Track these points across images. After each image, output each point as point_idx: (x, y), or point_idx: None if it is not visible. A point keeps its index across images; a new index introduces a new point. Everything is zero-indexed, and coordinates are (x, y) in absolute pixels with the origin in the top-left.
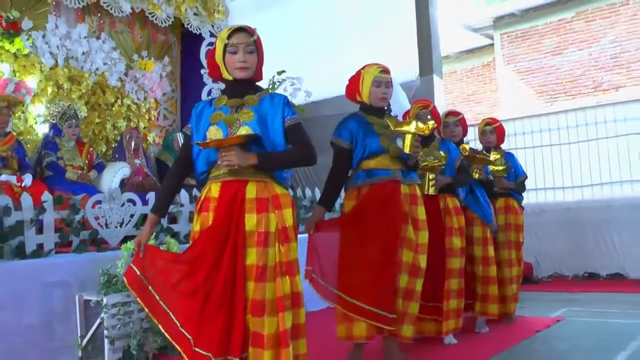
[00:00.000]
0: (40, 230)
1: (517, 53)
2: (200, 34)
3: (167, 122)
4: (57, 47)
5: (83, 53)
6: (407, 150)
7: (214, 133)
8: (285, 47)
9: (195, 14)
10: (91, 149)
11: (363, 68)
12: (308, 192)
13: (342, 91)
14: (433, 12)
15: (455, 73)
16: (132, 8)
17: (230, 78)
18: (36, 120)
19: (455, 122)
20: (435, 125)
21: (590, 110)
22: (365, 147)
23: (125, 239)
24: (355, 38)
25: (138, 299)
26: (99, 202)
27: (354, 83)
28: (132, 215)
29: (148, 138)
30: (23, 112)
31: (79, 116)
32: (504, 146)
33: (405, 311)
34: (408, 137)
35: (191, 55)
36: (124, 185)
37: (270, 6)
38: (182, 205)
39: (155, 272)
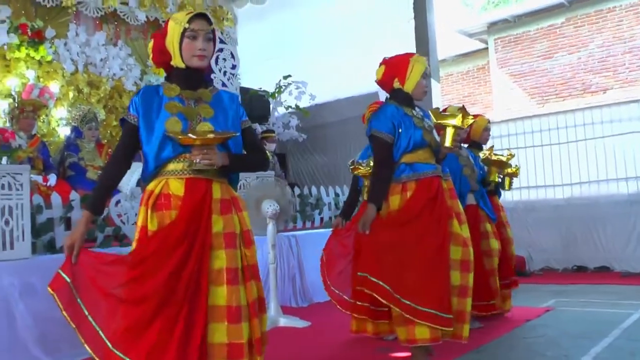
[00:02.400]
0: (68, 227)
1: (510, 57)
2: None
3: None
4: (78, 54)
5: (101, 59)
6: (449, 143)
7: (174, 124)
8: (290, 52)
9: None
10: (110, 150)
11: (410, 55)
12: (314, 190)
13: (342, 95)
14: (430, 18)
15: (451, 76)
16: (146, 17)
17: (182, 66)
18: (58, 123)
19: None
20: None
21: (578, 112)
22: (409, 139)
23: None
24: (355, 44)
25: (64, 312)
26: (121, 200)
27: (395, 69)
28: None
29: None
30: (46, 116)
31: (98, 119)
32: (497, 145)
33: (462, 309)
34: (451, 130)
35: None
36: (140, 184)
37: (275, 13)
38: None
39: (88, 280)
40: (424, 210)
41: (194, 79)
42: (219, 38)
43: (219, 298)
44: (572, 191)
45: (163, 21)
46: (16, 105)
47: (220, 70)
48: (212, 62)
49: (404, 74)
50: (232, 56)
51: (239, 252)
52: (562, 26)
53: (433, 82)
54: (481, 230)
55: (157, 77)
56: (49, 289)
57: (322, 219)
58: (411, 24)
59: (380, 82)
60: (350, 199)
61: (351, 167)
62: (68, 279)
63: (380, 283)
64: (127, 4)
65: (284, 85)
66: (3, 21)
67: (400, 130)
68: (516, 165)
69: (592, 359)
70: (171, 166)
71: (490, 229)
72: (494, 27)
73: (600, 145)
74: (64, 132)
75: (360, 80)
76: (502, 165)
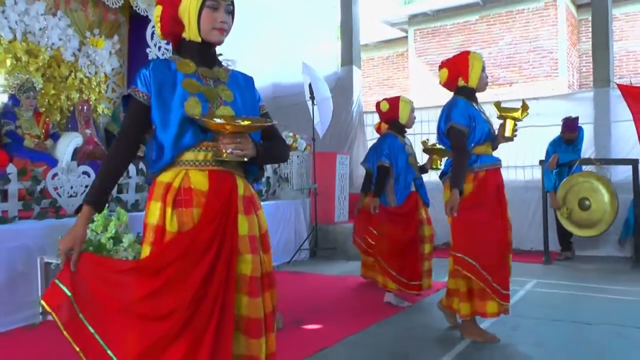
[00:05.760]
0: (4, 199)
1: (427, 47)
2: (147, 15)
3: (115, 94)
4: (16, 22)
5: (40, 29)
6: (509, 134)
7: (193, 106)
8: None
9: None
10: (47, 119)
11: (467, 53)
12: None
13: (272, 80)
14: (355, 9)
15: (372, 60)
16: None
17: (197, 39)
18: None
19: None
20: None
21: (487, 105)
22: (482, 132)
23: (80, 207)
24: (285, 31)
25: (64, 332)
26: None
27: (457, 69)
28: (86, 186)
29: (98, 109)
30: None
31: (37, 88)
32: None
33: None
34: (511, 123)
35: (138, 35)
36: (76, 153)
37: None
38: (130, 177)
39: (93, 291)
40: (493, 196)
41: (209, 55)
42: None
43: (242, 308)
44: None
45: None
46: None
47: (155, 45)
48: (148, 37)
49: (466, 70)
50: None
51: (258, 257)
52: (477, 23)
53: (355, 69)
54: (419, 217)
55: (96, 49)
56: (43, 303)
57: None
58: (337, 15)
59: (445, 84)
60: None
61: None
62: (68, 292)
63: (468, 259)
64: None
65: None
66: None
67: (474, 124)
68: None
69: None
70: (190, 155)
71: (425, 215)
72: (414, 19)
73: None
74: (1, 99)
75: (287, 66)
76: (444, 154)
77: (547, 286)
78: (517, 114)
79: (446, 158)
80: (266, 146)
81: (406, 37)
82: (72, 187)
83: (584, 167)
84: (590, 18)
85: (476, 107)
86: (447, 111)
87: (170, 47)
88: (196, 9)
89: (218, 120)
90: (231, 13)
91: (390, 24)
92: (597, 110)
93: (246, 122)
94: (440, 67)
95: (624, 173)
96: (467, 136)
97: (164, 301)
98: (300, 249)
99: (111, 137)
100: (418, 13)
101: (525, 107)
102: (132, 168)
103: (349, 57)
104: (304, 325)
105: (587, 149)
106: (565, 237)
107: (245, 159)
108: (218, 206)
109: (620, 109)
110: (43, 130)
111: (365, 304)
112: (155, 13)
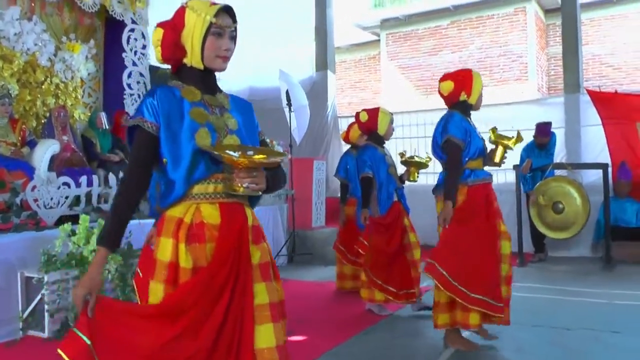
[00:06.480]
0: None
1: (399, 51)
2: (123, 20)
3: (91, 99)
4: None
5: (15, 34)
6: (498, 160)
7: (204, 138)
8: None
9: (119, 1)
10: (23, 126)
11: (470, 70)
12: None
13: (249, 83)
14: (330, 13)
15: (345, 62)
16: None
17: (200, 66)
18: None
19: None
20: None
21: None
22: (476, 148)
23: (61, 218)
24: (262, 35)
25: None
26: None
27: (462, 84)
28: (67, 197)
29: (74, 115)
30: None
31: (12, 94)
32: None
33: (508, 296)
34: (501, 150)
35: (114, 39)
36: (53, 161)
37: None
38: (110, 187)
39: (111, 337)
40: (480, 208)
41: (211, 82)
42: (131, 18)
43: (265, 338)
44: None
45: None
46: None
47: (131, 50)
48: (124, 41)
49: (469, 87)
50: (143, 36)
51: (273, 285)
52: (447, 28)
53: (329, 74)
54: (403, 225)
55: (72, 53)
56: (62, 353)
57: None
58: (312, 22)
59: (447, 96)
60: None
61: None
62: (87, 340)
63: (443, 271)
64: None
65: None
66: None
67: (469, 139)
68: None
69: None
70: (200, 188)
71: (408, 223)
72: (386, 23)
73: None
74: None
75: (265, 70)
76: (421, 166)
77: (525, 290)
78: (510, 143)
79: (426, 170)
80: (272, 176)
81: (378, 40)
82: (52, 199)
83: (556, 172)
84: (557, 23)
85: (471, 123)
86: (444, 124)
87: (145, 51)
88: (200, 36)
89: (235, 155)
90: (234, 39)
91: (362, 27)
92: (567, 115)
93: (261, 156)
94: (444, 79)
95: (593, 176)
96: (462, 150)
97: (186, 344)
98: (278, 255)
99: (88, 143)
100: (390, 17)
101: (519, 138)
102: (112, 178)
103: (323, 60)
104: (289, 337)
105: (559, 153)
106: (538, 238)
107: (260, 193)
108: (231, 241)
109: (590, 114)
110: (19, 138)
111: (347, 313)
112: (155, 36)
